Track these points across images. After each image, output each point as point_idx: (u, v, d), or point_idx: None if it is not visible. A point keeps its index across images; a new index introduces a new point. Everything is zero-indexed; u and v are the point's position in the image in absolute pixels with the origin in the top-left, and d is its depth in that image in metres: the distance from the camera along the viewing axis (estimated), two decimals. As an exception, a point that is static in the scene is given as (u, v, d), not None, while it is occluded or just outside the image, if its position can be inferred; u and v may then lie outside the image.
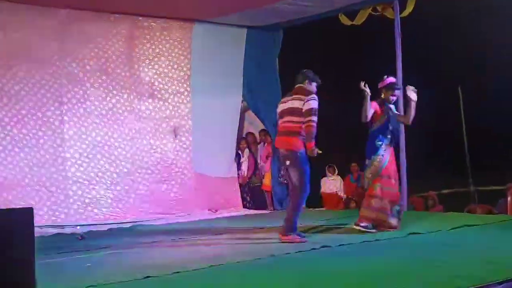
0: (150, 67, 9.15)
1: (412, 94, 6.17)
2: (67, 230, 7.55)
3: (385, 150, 6.05)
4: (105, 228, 7.71)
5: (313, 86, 5.85)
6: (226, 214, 8.91)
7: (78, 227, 7.76)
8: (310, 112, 5.59)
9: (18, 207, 6.99)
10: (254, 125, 10.20)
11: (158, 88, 9.19)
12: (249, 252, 5.16)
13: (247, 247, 5.51)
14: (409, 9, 8.19)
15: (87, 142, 8.50)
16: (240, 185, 9.74)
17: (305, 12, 8.85)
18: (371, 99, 6.07)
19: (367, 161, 6.14)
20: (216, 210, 9.23)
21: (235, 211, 9.26)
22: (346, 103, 6.32)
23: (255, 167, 9.80)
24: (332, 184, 10.11)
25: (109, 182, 8.56)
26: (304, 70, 5.94)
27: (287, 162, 5.74)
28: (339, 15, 8.92)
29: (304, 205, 5.91)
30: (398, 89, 6.29)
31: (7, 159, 7.84)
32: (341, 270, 4.24)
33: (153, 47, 9.18)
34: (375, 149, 6.05)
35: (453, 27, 9.59)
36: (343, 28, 8.99)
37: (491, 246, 4.91)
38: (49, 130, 8.19)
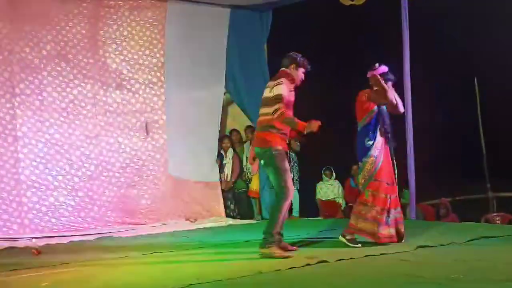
0: (117, 52, 9.11)
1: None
2: (21, 243, 7.48)
3: (378, 149, 6.04)
4: (65, 240, 7.65)
5: (300, 72, 5.85)
6: (206, 225, 8.89)
7: (34, 239, 7.69)
8: (274, 100, 5.58)
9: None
10: (239, 121, 10.20)
11: (126, 78, 9.15)
12: (234, 269, 5.14)
13: (231, 263, 5.50)
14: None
15: (43, 140, 8.44)
16: (223, 191, 9.73)
17: (297, -10, 8.88)
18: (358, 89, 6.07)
19: (359, 164, 6.16)
20: (195, 220, 9.21)
21: (217, 220, 9.24)
22: (346, 95, 6.32)
23: (240, 170, 9.80)
24: (329, 189, 10.15)
25: (69, 187, 8.51)
26: (291, 53, 5.95)
27: (262, 162, 5.76)
28: (337, -8, 8.94)
29: (286, 214, 5.82)
30: (391, 80, 6.21)
31: (-51, 160, 7.78)
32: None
33: (121, 29, 9.14)
34: (366, 150, 6.04)
35: (468, 9, 9.66)
36: (342, 8, 9.01)
37: (512, 261, 4.95)
38: (-1, 126, 8.13)
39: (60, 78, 8.64)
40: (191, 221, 9.17)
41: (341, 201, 10.08)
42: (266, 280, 4.71)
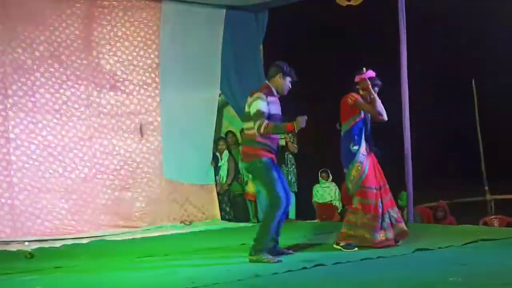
0: (111, 53, 9.10)
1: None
2: (13, 247, 7.46)
3: (363, 155, 6.03)
4: (58, 244, 7.65)
5: (286, 81, 5.86)
6: (201, 228, 8.89)
7: (26, 243, 7.68)
8: (255, 117, 5.62)
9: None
10: (235, 122, 10.20)
11: (121, 79, 9.14)
12: (230, 273, 5.15)
13: (227, 267, 5.51)
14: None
15: (36, 142, 8.42)
16: (218, 194, 9.72)
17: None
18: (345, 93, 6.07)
19: (345, 171, 6.16)
20: (190, 223, 9.21)
21: (213, 224, 9.24)
22: (344, 95, 6.32)
23: (236, 172, 9.79)
24: (326, 192, 10.16)
25: (62, 189, 8.50)
26: (278, 62, 5.97)
27: (250, 176, 5.82)
28: (334, -7, 8.96)
29: (282, 221, 5.85)
30: (378, 85, 6.19)
31: None
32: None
33: (115, 30, 9.13)
34: (351, 156, 6.04)
35: (466, 9, 9.70)
36: (339, 9, 9.03)
37: (511, 265, 4.96)
38: (-9, 128, 8.13)
39: (53, 80, 8.62)
40: (186, 224, 9.16)
41: (338, 203, 10.08)
42: (263, 284, 4.72)
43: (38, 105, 8.49)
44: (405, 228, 6.16)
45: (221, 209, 9.71)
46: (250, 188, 9.65)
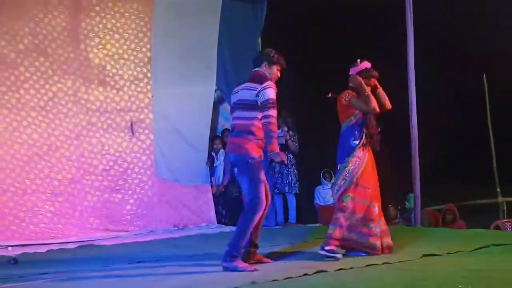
0: (100, 47, 9.10)
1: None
2: (-5, 252, 7.46)
3: (362, 151, 6.00)
4: (43, 249, 7.62)
5: (273, 70, 5.77)
6: (196, 232, 8.89)
7: (10, 248, 7.68)
8: (266, 104, 5.52)
9: None
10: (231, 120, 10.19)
11: (110, 74, 9.14)
12: (226, 280, 5.14)
13: (222, 274, 5.49)
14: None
15: (20, 140, 8.42)
16: (214, 195, 9.72)
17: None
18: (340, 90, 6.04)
19: (339, 166, 6.11)
20: (184, 227, 9.20)
21: (208, 227, 9.24)
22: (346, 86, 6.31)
23: (232, 173, 9.78)
24: (328, 194, 10.14)
25: (49, 191, 8.50)
26: (265, 50, 5.93)
27: (235, 170, 5.72)
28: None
29: (261, 223, 5.76)
30: (375, 76, 6.14)
31: None
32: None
33: (104, 21, 9.14)
34: (350, 149, 5.99)
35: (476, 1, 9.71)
36: (343, 0, 9.05)
37: (524, 271, 4.96)
38: (-27, 125, 8.13)
39: (38, 74, 8.62)
40: (180, 228, 9.16)
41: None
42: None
43: (22, 101, 8.49)
44: (391, 242, 6.04)
45: (217, 212, 9.71)
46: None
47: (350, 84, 6.11)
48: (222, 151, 9.78)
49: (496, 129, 10.57)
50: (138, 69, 9.35)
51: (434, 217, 9.39)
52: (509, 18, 9.26)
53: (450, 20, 10.16)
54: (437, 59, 10.24)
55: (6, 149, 8.31)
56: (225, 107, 10.22)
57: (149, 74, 9.39)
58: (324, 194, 10.16)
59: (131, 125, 9.20)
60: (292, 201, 9.49)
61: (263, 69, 5.76)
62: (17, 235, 8.18)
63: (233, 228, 9.11)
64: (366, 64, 6.13)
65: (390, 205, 9.85)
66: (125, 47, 9.27)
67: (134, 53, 9.33)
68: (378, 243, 5.94)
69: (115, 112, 9.13)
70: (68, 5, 8.87)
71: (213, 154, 9.79)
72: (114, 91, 9.15)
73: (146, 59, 9.39)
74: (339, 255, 5.80)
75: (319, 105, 6.03)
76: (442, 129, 10.76)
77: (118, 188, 8.99)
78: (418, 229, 7.79)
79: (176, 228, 9.18)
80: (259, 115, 5.56)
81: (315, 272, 5.16)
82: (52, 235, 8.37)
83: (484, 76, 10.59)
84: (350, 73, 6.15)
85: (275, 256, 6.09)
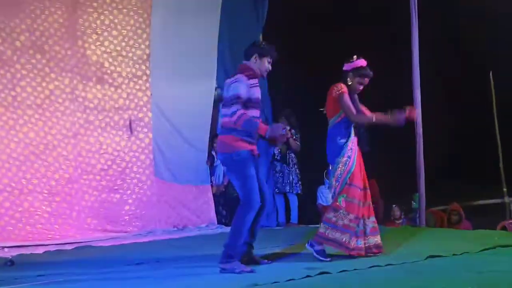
0: (98, 43, 9.10)
1: None
2: (-9, 254, 7.48)
3: (351, 150, 5.94)
4: (40, 250, 7.64)
5: (264, 62, 5.70)
6: (196, 232, 8.89)
7: (6, 249, 7.69)
8: (228, 101, 5.47)
9: None
10: (232, 118, 10.20)
11: (108, 71, 9.14)
12: (226, 282, 5.14)
13: (223, 275, 5.49)
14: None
15: (16, 139, 8.42)
16: (214, 195, 9.73)
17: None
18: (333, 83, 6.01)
19: (330, 167, 6.09)
20: (184, 227, 9.21)
21: (208, 228, 9.24)
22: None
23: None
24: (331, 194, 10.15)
25: (45, 191, 8.50)
26: (255, 41, 5.90)
27: (225, 169, 5.73)
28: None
29: (247, 226, 5.63)
30: (369, 75, 6.05)
31: None
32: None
33: (102, 18, 9.14)
34: (338, 150, 5.94)
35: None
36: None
37: (531, 273, 4.96)
38: (-32, 124, 8.13)
39: (35, 72, 8.63)
40: (180, 229, 9.16)
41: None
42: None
43: (18, 99, 8.50)
44: (380, 241, 6.00)
45: (217, 212, 9.71)
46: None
47: (348, 82, 6.04)
48: (222, 150, 9.77)
49: (502, 127, 10.57)
50: (137, 66, 9.35)
51: (439, 217, 9.39)
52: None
53: (454, 19, 10.17)
54: (442, 58, 10.25)
55: (2, 148, 8.32)
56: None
57: (148, 71, 9.39)
58: (327, 194, 10.14)
59: (130, 123, 9.20)
60: (293, 201, 9.49)
61: (253, 61, 5.68)
62: (14, 236, 8.19)
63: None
64: (362, 62, 6.05)
65: (394, 205, 9.86)
66: (123, 43, 9.27)
67: (133, 50, 9.33)
68: (353, 242, 5.85)
69: (113, 110, 9.13)
70: (65, 1, 8.87)
71: (213, 153, 9.78)
72: (112, 89, 9.15)
73: (145, 56, 9.38)
74: (328, 259, 5.78)
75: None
76: (447, 128, 10.78)
77: (116, 188, 8.99)
78: (423, 230, 7.78)
79: (175, 229, 9.18)
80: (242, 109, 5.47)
81: (318, 274, 5.16)
82: (49, 236, 8.38)
83: (491, 73, 10.58)
84: (344, 68, 6.11)
85: (276, 257, 6.10)
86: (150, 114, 9.33)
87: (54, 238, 8.35)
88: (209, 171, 9.72)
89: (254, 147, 5.66)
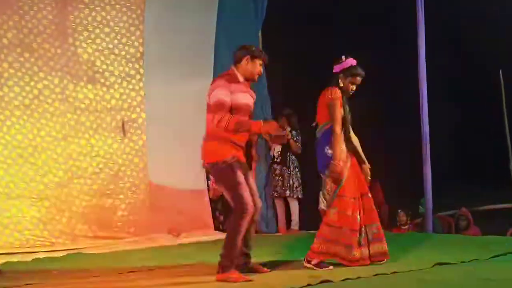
0: (89, 41, 9.09)
1: None
2: (-23, 261, 7.45)
3: (342, 160, 5.84)
4: (29, 258, 7.62)
5: (256, 65, 5.69)
6: (192, 239, 8.87)
7: (-8, 257, 7.67)
8: (214, 108, 5.49)
9: None
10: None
11: (100, 70, 9.13)
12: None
13: (221, 284, 5.48)
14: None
15: (4, 141, 8.42)
16: (211, 200, 9.71)
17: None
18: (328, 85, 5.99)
19: (322, 177, 6.07)
20: (179, 234, 9.19)
21: (205, 234, 9.22)
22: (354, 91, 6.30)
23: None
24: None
25: (34, 196, 8.48)
26: (244, 45, 5.86)
27: (211, 178, 5.72)
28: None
29: (253, 231, 5.73)
30: (360, 74, 6.02)
31: None
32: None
33: (94, 14, 9.13)
34: (327, 160, 5.87)
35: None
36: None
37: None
38: (-47, 125, 8.13)
39: (23, 71, 8.61)
40: (175, 235, 9.14)
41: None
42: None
43: (6, 99, 8.49)
44: (386, 248, 5.96)
45: (214, 218, 9.70)
46: (248, 194, 9.62)
47: (340, 84, 6.00)
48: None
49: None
50: (130, 65, 9.33)
51: (447, 222, 9.39)
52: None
53: (462, 17, 10.18)
54: (449, 58, 10.26)
55: (-12, 150, 8.31)
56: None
57: (141, 71, 9.38)
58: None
59: (123, 125, 9.18)
60: (294, 206, 9.47)
61: (245, 63, 5.68)
62: (1, 243, 8.17)
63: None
64: (352, 61, 6.02)
65: (400, 210, 9.84)
66: (116, 41, 9.25)
67: (126, 48, 9.31)
68: (357, 253, 5.83)
69: (105, 111, 9.12)
70: (55, -4, 8.87)
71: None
72: (104, 89, 9.13)
73: (138, 54, 9.37)
74: (330, 266, 5.78)
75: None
76: (454, 130, 10.77)
77: (108, 192, 8.97)
78: (429, 236, 7.77)
79: (170, 235, 9.16)
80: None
81: (320, 282, 5.15)
82: (38, 243, 8.37)
83: (501, 72, 10.60)
84: (334, 71, 6.09)
85: (276, 265, 6.09)
86: (143, 115, 9.31)
87: (43, 245, 8.33)
88: (205, 175, 9.69)
89: (241, 153, 5.64)
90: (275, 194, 9.49)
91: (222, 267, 5.48)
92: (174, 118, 9.41)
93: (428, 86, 8.11)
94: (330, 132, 5.90)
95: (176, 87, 9.41)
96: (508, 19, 9.60)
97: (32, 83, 8.66)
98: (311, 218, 9.89)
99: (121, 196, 9.05)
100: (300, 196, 9.49)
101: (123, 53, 9.30)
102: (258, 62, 5.71)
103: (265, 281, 5.39)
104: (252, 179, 5.81)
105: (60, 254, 7.85)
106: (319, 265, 5.82)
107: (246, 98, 5.69)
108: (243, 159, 5.67)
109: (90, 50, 9.09)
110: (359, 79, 6.03)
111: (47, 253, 7.93)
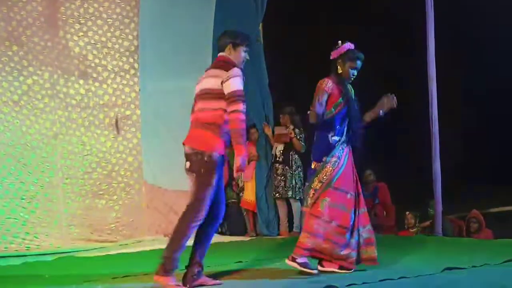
0: (81, 34, 9.10)
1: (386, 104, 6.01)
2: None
3: (342, 150, 5.89)
4: (18, 261, 7.61)
5: (239, 52, 5.66)
6: (189, 242, 8.85)
7: (-20, 260, 7.68)
8: (233, 97, 5.36)
9: None
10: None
11: (92, 64, 9.14)
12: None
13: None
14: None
15: (-9, 140, 8.43)
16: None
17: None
18: (324, 75, 5.96)
19: (313, 165, 6.01)
20: (175, 237, 9.19)
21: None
22: (357, 88, 6.30)
23: (229, 177, 9.78)
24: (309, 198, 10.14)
25: (23, 196, 8.50)
26: (226, 30, 5.85)
27: (187, 165, 5.55)
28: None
29: (210, 238, 5.64)
30: (360, 59, 6.01)
31: None
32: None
33: (85, 5, 9.14)
34: (329, 147, 5.88)
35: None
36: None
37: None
38: None
39: (12, 65, 8.63)
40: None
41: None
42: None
43: (-7, 95, 8.49)
44: (375, 254, 5.92)
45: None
46: (248, 195, 9.64)
47: (338, 71, 5.99)
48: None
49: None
50: (124, 59, 9.33)
51: (457, 225, 9.39)
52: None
53: (472, 14, 10.19)
54: (459, 57, 10.28)
55: (-25, 149, 8.32)
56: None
57: (136, 65, 9.38)
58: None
59: (116, 122, 9.19)
60: (296, 208, 9.48)
61: (227, 52, 5.65)
62: (-12, 246, 8.19)
63: (231, 238, 9.18)
64: (349, 45, 6.02)
65: (408, 212, 9.85)
66: (109, 34, 9.25)
67: (120, 41, 9.32)
68: (353, 254, 5.83)
69: (98, 108, 9.12)
70: (45, -13, 8.88)
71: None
72: (97, 84, 9.14)
73: (132, 48, 9.37)
74: (315, 271, 5.73)
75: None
76: (465, 130, 10.79)
77: (101, 193, 8.98)
78: (439, 239, 7.78)
79: (166, 238, 9.16)
80: (227, 108, 5.39)
81: (324, 287, 5.16)
82: (28, 246, 8.37)
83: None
84: (331, 57, 6.08)
85: (277, 270, 6.08)
86: (138, 111, 9.32)
87: (33, 248, 8.35)
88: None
89: (224, 148, 5.54)
90: (277, 195, 9.50)
91: (164, 270, 5.35)
92: (170, 115, 9.41)
93: (438, 85, 8.13)
94: (333, 120, 5.90)
95: (173, 82, 9.41)
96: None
97: (21, 78, 8.67)
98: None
99: (115, 197, 9.06)
100: (301, 197, 9.49)
101: (116, 46, 9.30)
102: (242, 48, 5.68)
103: (268, 286, 5.40)
104: (224, 183, 5.75)
105: (51, 257, 7.85)
106: (303, 265, 5.74)
107: None
108: (224, 154, 5.56)
109: (82, 44, 9.10)
110: (359, 62, 6.01)
111: (37, 256, 7.92)
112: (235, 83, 5.41)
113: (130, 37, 9.38)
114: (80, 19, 9.10)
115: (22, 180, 8.53)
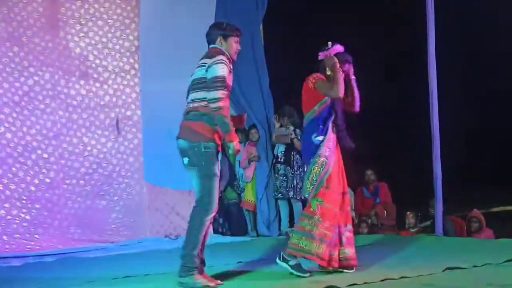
0: (81, 35, 9.10)
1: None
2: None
3: (329, 149, 5.89)
4: (18, 262, 7.63)
5: (231, 43, 5.63)
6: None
7: (-20, 261, 7.68)
8: (213, 83, 5.32)
9: None
10: (229, 117, 10.20)
11: (93, 65, 9.14)
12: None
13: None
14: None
15: (-8, 141, 8.43)
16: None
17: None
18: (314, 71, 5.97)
19: (306, 168, 6.07)
20: (177, 237, 9.20)
21: (203, 238, 9.22)
22: (359, 87, 6.30)
23: (230, 177, 9.79)
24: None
25: (24, 197, 8.49)
26: (215, 22, 5.83)
27: (185, 160, 5.49)
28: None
29: (207, 234, 5.58)
30: (349, 61, 6.05)
31: None
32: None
33: (86, 6, 9.14)
34: (314, 148, 5.89)
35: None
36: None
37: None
38: None
39: (12, 66, 8.61)
40: (172, 239, 9.15)
41: (352, 213, 10.08)
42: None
43: (-6, 96, 8.50)
44: (353, 254, 5.94)
45: (213, 220, 9.68)
46: (248, 195, 9.66)
47: (327, 72, 6.00)
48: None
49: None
50: (125, 59, 9.34)
51: (458, 225, 9.39)
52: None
53: (473, 13, 10.19)
54: (460, 57, 10.27)
55: (-24, 150, 8.32)
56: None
57: (136, 66, 9.39)
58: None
59: (117, 122, 9.19)
60: (298, 208, 9.48)
61: (219, 44, 5.62)
62: (-11, 247, 8.19)
63: (232, 239, 9.18)
64: (339, 48, 6.05)
65: (408, 212, 9.85)
66: (109, 35, 9.26)
67: (120, 41, 9.32)
68: (333, 254, 5.84)
69: (99, 108, 9.13)
70: (46, -13, 8.88)
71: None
72: (98, 85, 9.14)
73: (133, 49, 9.38)
74: (307, 274, 5.73)
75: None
76: (466, 129, 10.79)
77: (102, 193, 8.98)
78: (440, 239, 7.78)
79: (168, 239, 9.17)
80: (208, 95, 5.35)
81: (325, 288, 5.16)
82: (28, 247, 8.36)
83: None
84: (319, 58, 6.09)
85: (276, 270, 6.08)
86: (139, 112, 9.33)
87: (33, 249, 8.33)
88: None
89: (220, 139, 5.51)
90: (279, 195, 9.50)
91: (186, 270, 5.34)
92: (171, 115, 9.37)
93: (438, 85, 8.12)
94: (316, 120, 5.91)
95: (173, 82, 9.38)
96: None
97: (22, 79, 8.66)
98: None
99: (116, 198, 9.06)
100: (303, 198, 9.50)
101: (117, 47, 9.31)
102: (233, 40, 5.66)
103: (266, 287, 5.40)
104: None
105: (52, 258, 7.87)
106: (296, 268, 5.76)
107: (231, 79, 5.59)
108: (220, 146, 5.56)
109: (82, 44, 9.10)
110: (347, 65, 6.05)
111: (38, 257, 7.93)
112: (217, 69, 5.39)
113: (131, 37, 9.39)
114: (81, 20, 9.10)
115: (23, 181, 8.52)
